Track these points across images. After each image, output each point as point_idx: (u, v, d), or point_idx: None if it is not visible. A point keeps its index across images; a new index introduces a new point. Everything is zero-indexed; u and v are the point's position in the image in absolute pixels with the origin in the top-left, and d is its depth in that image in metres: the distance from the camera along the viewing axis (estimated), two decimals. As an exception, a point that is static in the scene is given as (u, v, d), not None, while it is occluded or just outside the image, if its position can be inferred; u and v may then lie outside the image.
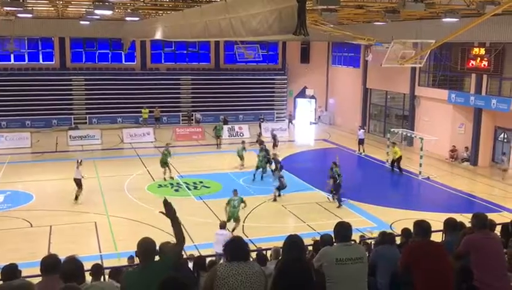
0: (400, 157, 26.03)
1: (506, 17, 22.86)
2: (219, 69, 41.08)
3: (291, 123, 39.50)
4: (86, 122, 37.18)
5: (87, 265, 8.94)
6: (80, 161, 21.26)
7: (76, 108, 37.73)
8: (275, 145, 29.53)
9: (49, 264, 5.01)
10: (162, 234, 16.11)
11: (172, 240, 5.74)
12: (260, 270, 4.96)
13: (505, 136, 27.23)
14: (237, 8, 11.13)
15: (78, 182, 20.65)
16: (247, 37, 11.13)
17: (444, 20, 21.19)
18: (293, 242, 5.51)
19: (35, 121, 36.27)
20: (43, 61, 37.85)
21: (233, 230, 16.97)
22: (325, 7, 17.55)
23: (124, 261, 12.85)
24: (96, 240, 16.76)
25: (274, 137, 30.38)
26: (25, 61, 37.38)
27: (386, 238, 8.14)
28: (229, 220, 16.93)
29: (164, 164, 23.98)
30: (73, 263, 4.87)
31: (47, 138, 33.16)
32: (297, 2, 7.72)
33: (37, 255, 9.02)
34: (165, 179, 23.84)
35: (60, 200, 20.82)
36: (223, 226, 14.74)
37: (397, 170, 26.12)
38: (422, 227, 6.19)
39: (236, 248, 4.97)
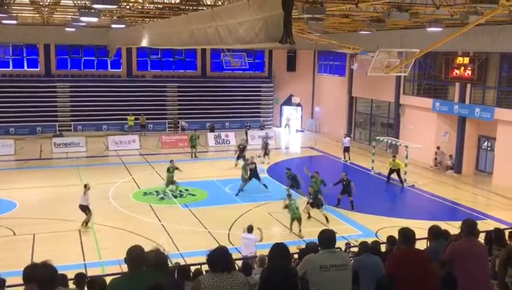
0: (399, 169, 25.59)
1: (489, 27, 23.20)
2: (205, 77, 41.06)
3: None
4: (70, 130, 36.87)
5: (71, 274, 8.89)
6: (87, 185, 18.84)
7: (61, 115, 37.41)
8: (266, 154, 29.41)
9: (32, 273, 4.93)
10: (147, 242, 16.04)
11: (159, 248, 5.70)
12: (244, 280, 4.94)
13: (489, 144, 27.54)
14: (224, 16, 11.17)
15: (85, 209, 18.47)
16: (234, 45, 11.16)
17: (428, 29, 21.45)
18: (279, 250, 5.51)
19: (19, 128, 35.89)
20: (27, 67, 37.50)
21: (299, 232, 17.80)
22: (311, 16, 17.68)
23: (107, 270, 12.74)
24: (80, 249, 16.59)
25: (266, 146, 29.88)
26: (9, 67, 37.01)
27: (366, 247, 8.14)
28: (293, 220, 18.10)
29: (171, 183, 22.36)
30: (48, 269, 4.72)
31: (31, 145, 32.82)
32: (283, 11, 7.75)
33: (20, 263, 8.88)
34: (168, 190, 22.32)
35: (44, 208, 20.58)
36: (250, 229, 14.59)
37: (396, 180, 25.64)
38: (406, 235, 6.23)
39: (219, 259, 4.93)
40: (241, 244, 14.51)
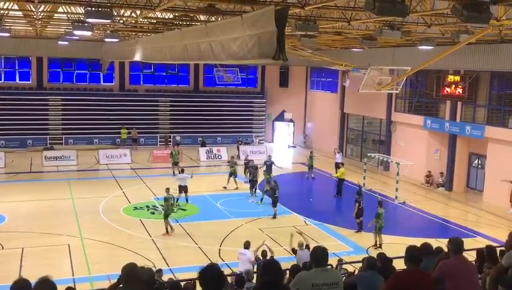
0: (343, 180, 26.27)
1: (480, 46, 23.49)
2: (198, 92, 41.10)
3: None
4: (61, 143, 36.68)
5: (60, 289, 8.78)
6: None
7: (52, 128, 37.23)
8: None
9: (20, 288, 4.88)
10: (137, 257, 15.91)
11: (147, 264, 5.67)
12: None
13: (479, 162, 27.69)
14: (217, 32, 11.22)
15: (185, 188, 23.34)
16: (227, 60, 11.19)
17: (419, 47, 21.66)
18: (269, 266, 5.48)
19: (9, 140, 35.65)
20: (19, 80, 37.39)
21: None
22: (304, 33, 17.85)
23: (96, 285, 12.60)
24: (70, 263, 16.39)
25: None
26: (1, 80, 36.87)
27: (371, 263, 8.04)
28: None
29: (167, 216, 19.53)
30: (47, 286, 4.72)
31: (21, 158, 32.60)
32: (277, 28, 7.80)
33: (8, 278, 8.77)
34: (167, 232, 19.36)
35: (33, 222, 20.38)
36: (247, 245, 14.42)
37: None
38: (411, 254, 6.12)
39: (210, 278, 4.87)
40: (238, 260, 14.34)
